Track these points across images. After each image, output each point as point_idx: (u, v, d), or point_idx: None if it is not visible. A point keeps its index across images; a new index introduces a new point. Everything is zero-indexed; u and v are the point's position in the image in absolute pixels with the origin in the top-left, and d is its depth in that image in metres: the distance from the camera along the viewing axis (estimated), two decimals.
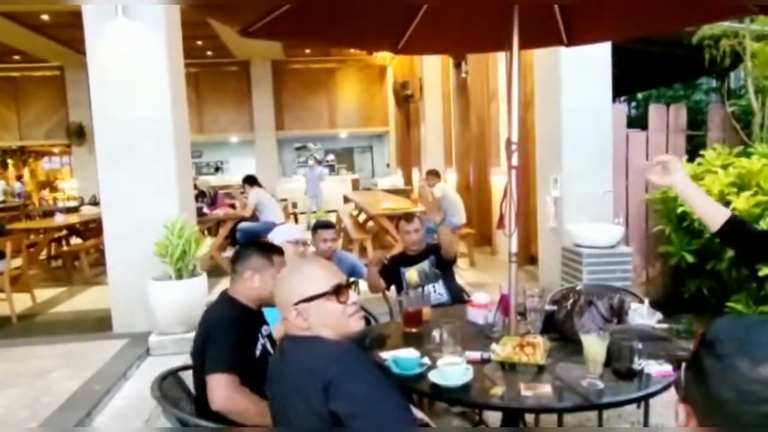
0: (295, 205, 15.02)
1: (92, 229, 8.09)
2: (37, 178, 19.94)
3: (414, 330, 2.47)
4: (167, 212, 4.43)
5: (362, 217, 9.07)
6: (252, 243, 2.31)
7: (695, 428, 0.67)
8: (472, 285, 5.74)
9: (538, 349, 2.06)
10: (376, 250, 6.45)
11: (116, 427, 3.18)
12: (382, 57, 14.23)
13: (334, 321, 1.45)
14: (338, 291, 1.46)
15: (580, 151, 4.90)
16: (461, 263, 6.82)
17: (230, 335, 1.94)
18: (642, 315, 2.26)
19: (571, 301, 2.33)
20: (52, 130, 14.52)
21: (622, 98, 10.75)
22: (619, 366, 1.85)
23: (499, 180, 7.29)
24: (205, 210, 7.32)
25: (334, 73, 15.38)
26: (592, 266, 4.41)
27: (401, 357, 1.98)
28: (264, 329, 2.15)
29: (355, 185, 15.17)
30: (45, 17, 10.60)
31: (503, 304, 2.39)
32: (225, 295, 2.14)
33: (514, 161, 2.22)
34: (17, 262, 5.54)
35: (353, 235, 7.57)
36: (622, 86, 9.10)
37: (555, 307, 2.39)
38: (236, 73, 14.91)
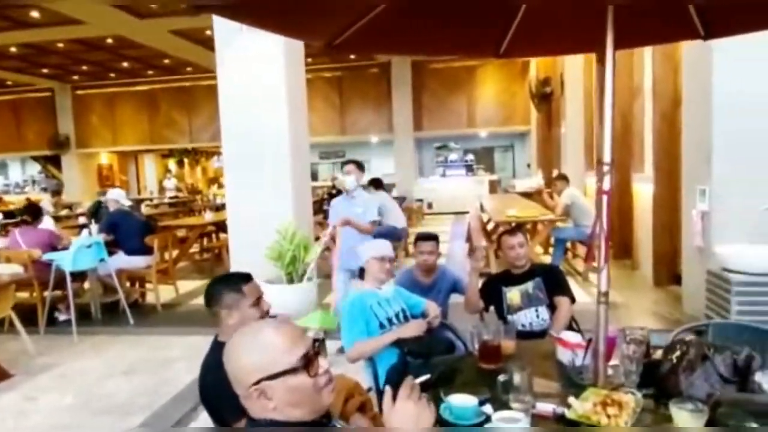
0: (430, 206, 15.03)
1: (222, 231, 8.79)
2: (207, 175, 22.40)
3: (492, 367, 2.22)
4: (282, 217, 4.61)
5: (492, 224, 8.73)
6: (216, 280, 2.09)
7: None
8: None
9: (625, 410, 1.72)
10: (499, 260, 6.13)
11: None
12: None
13: (305, 398, 1.21)
14: (307, 363, 1.21)
15: (735, 158, 4.17)
16: (592, 278, 6.22)
17: (229, 389, 1.82)
18: None
19: (678, 352, 1.92)
20: (217, 133, 16.14)
21: None
22: None
23: (643, 187, 6.52)
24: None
25: (475, 71, 15.04)
26: (743, 296, 3.71)
27: (456, 404, 1.78)
28: None
29: (493, 187, 14.72)
30: (209, 32, 11.79)
31: (593, 347, 2.05)
32: (216, 343, 2.03)
33: (606, 185, 1.87)
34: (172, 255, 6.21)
35: (480, 243, 7.29)
36: None
37: (660, 357, 2.00)
38: (377, 74, 15.26)
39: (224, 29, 4.73)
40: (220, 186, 19.72)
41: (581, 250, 7.26)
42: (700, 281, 4.28)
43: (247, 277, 2.07)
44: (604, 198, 1.88)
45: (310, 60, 7.80)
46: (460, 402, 1.79)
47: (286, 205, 4.75)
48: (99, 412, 3.47)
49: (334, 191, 10.02)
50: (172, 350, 4.45)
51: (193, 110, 16.17)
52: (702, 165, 4.43)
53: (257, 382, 1.17)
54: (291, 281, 4.47)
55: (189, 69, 15.06)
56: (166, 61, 14.02)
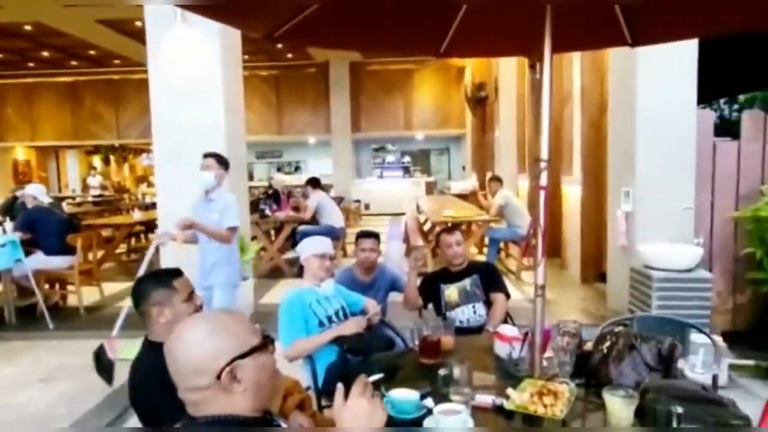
0: (368, 207, 15.06)
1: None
2: (135, 173, 21.43)
3: (431, 362, 2.24)
4: None
5: (429, 224, 8.85)
6: (143, 278, 2.02)
7: None
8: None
9: (560, 399, 1.77)
10: (435, 259, 6.22)
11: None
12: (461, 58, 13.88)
13: (270, 379, 1.20)
14: (267, 341, 1.21)
15: (656, 162, 4.42)
16: (525, 277, 6.43)
17: (164, 389, 1.75)
18: (694, 365, 1.89)
19: (608, 343, 2.01)
20: (146, 129, 15.46)
21: (722, 101, 9.77)
22: None
23: (572, 190, 6.80)
24: (268, 212, 7.40)
25: (412, 74, 15.22)
26: (663, 291, 3.94)
27: (397, 398, 1.78)
28: None
29: (429, 189, 14.93)
30: (139, 23, 11.27)
31: (530, 339, 2.10)
32: (146, 342, 1.95)
33: (543, 181, 1.93)
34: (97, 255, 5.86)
35: (417, 242, 7.38)
36: (720, 87, 8.25)
37: (591, 348, 2.08)
38: (315, 74, 15.13)
39: (157, 19, 4.53)
40: (150, 185, 18.92)
41: (514, 249, 7.48)
42: (624, 278, 4.51)
43: (176, 272, 1.99)
44: (542, 193, 1.94)
45: (246, 57, 7.61)
46: (402, 396, 1.79)
47: None
48: (12, 423, 3.22)
49: (270, 191, 9.83)
50: None
51: (121, 105, 15.41)
52: (626, 168, 4.67)
53: (230, 363, 1.13)
54: None
55: (117, 61, 14.35)
56: (92, 52, 13.28)
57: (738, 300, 4.52)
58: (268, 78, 14.89)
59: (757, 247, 4.05)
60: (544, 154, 1.94)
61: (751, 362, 3.98)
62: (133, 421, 3.31)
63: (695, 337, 2.47)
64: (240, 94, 5.07)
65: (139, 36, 11.96)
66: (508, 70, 9.64)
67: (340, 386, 1.20)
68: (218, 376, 1.12)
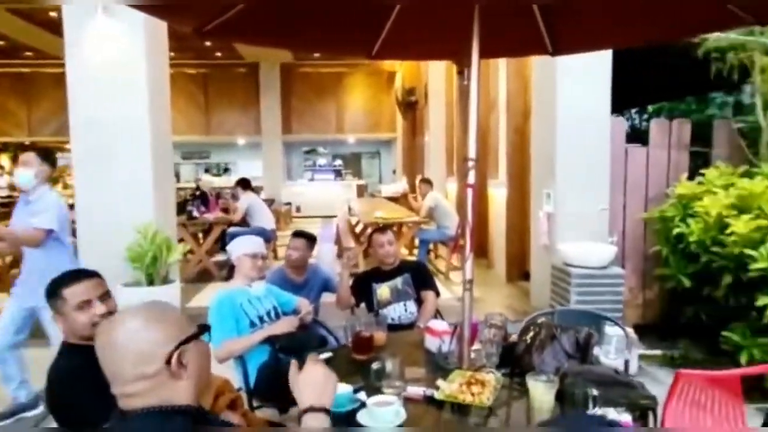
0: (299, 209, 14.93)
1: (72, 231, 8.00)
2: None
3: (363, 358, 2.28)
4: (142, 216, 4.30)
5: (361, 226, 8.91)
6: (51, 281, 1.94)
7: None
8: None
9: (487, 388, 1.86)
10: (368, 260, 6.27)
11: None
12: (391, 63, 14.06)
13: (208, 365, 1.24)
14: (201, 329, 1.23)
15: (575, 166, 4.68)
16: (454, 277, 6.61)
17: (79, 390, 1.71)
18: (609, 352, 2.04)
19: (531, 333, 2.13)
20: (62, 126, 14.56)
21: (633, 110, 10.45)
22: None
23: (497, 193, 7.07)
24: (195, 213, 7.19)
25: (343, 78, 15.25)
26: (581, 287, 4.18)
27: None
28: None
29: (361, 192, 15.01)
30: (53, 14, 10.61)
31: (458, 333, 2.19)
32: (63, 345, 1.91)
33: (471, 179, 2.02)
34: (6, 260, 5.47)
35: (349, 244, 7.41)
36: (632, 97, 8.83)
37: (516, 339, 2.19)
38: (245, 75, 14.83)
39: (76, 9, 4.30)
40: (66, 186, 17.82)
41: (443, 250, 7.66)
42: (546, 276, 4.74)
43: (88, 274, 1.94)
44: (470, 191, 2.03)
45: (173, 54, 7.34)
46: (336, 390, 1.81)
47: (147, 204, 4.42)
48: None
49: (198, 192, 9.55)
50: None
51: (34, 100, 14.43)
52: (548, 172, 4.91)
53: (177, 347, 1.13)
54: (151, 283, 4.18)
55: (29, 54, 13.44)
56: (1, 42, 12.39)
57: (647, 295, 4.87)
58: (196, 77, 14.45)
59: (663, 246, 4.38)
60: (472, 153, 2.03)
61: (658, 352, 4.31)
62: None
63: (609, 329, 2.65)
64: (166, 90, 4.91)
65: (55, 27, 11.32)
66: (438, 75, 9.88)
67: (294, 362, 1.29)
68: (167, 361, 1.12)
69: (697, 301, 4.20)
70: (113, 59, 4.30)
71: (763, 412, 2.86)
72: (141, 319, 1.15)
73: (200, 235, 7.93)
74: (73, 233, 4.22)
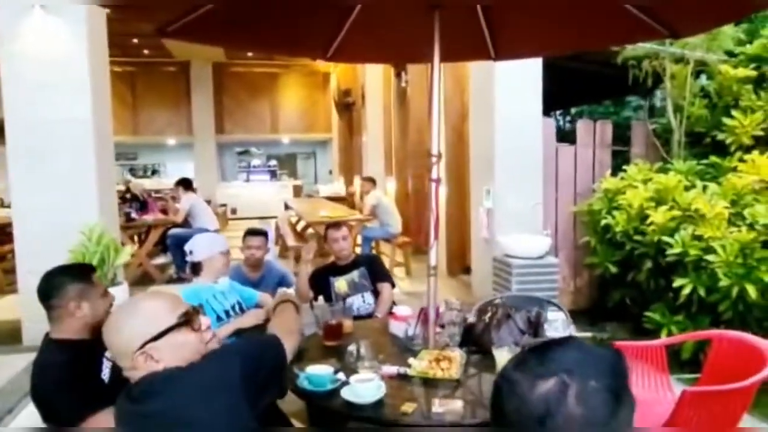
0: (234, 211, 14.69)
1: (9, 234, 7.57)
2: None
3: (334, 344, 2.42)
4: (86, 218, 4.20)
5: (302, 225, 8.96)
6: (55, 271, 1.95)
7: None
8: (408, 294, 5.76)
9: (453, 363, 2.05)
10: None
11: None
12: (326, 64, 14.14)
13: (193, 353, 1.29)
14: (189, 319, 1.30)
15: (511, 164, 5.00)
16: (398, 272, 6.83)
17: (67, 391, 1.75)
18: (557, 328, 2.29)
19: (489, 314, 2.34)
20: None
21: (558, 112, 11.12)
22: None
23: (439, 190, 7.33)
24: (134, 215, 7.00)
25: (277, 78, 15.17)
26: (521, 276, 4.49)
27: (313, 373, 1.93)
28: (107, 353, 1.84)
29: (297, 192, 14.98)
30: None
31: (423, 316, 2.37)
32: (49, 343, 1.89)
33: (435, 174, 2.21)
34: None
35: (290, 242, 7.45)
36: (557, 101, 9.41)
37: (475, 320, 2.40)
38: (175, 73, 14.44)
39: (10, 5, 4.13)
40: None
41: (386, 248, 7.86)
42: (488, 268, 5.04)
43: (92, 268, 1.99)
44: (433, 185, 2.21)
45: None
46: (318, 371, 1.95)
47: (91, 205, 4.32)
48: None
49: (128, 195, 9.23)
50: None
51: None
52: (486, 170, 5.21)
53: (141, 347, 1.23)
54: None
55: None
56: None
57: (578, 283, 5.28)
58: (123, 74, 13.88)
59: (592, 236, 4.78)
60: (435, 150, 2.22)
61: (589, 335, 4.69)
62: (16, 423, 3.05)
63: (552, 314, 2.93)
64: (107, 88, 4.80)
65: None
66: (375, 77, 10.08)
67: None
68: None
69: (622, 286, 4.62)
70: (53, 57, 4.17)
71: (681, 382, 3.25)
72: (119, 317, 1.30)
73: (135, 237, 7.72)
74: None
